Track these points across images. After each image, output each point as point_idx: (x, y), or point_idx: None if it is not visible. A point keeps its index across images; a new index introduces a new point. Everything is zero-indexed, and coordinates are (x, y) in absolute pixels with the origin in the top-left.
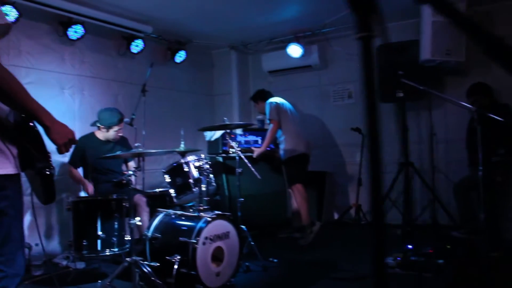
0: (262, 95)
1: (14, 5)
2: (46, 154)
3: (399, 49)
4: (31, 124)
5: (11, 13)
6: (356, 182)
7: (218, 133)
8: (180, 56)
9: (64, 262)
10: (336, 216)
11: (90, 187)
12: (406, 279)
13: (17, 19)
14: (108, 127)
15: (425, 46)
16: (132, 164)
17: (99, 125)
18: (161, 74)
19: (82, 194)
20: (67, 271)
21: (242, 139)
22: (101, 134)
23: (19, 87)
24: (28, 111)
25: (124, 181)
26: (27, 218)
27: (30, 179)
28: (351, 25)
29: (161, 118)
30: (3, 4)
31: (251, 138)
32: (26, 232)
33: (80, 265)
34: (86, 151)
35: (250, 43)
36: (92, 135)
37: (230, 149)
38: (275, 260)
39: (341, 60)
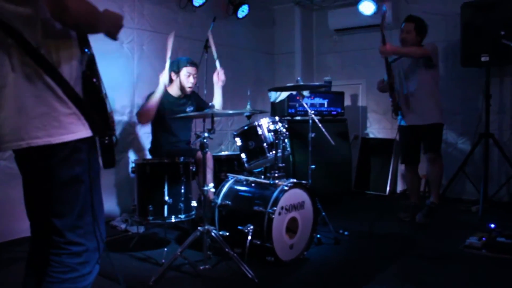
0: (424, 26)
1: None
2: (107, 120)
3: (487, 8)
4: (94, 80)
5: None
6: None
7: (283, 95)
8: (243, 11)
9: (123, 226)
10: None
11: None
12: (496, 263)
13: None
14: (177, 70)
15: None
16: None
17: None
18: (221, 29)
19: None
20: (128, 235)
21: (308, 101)
22: (173, 89)
23: (100, 15)
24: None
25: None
26: None
27: None
28: None
29: None
30: None
31: (317, 100)
32: None
33: (139, 229)
34: (163, 104)
35: None
36: (165, 90)
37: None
38: (346, 233)
39: None
